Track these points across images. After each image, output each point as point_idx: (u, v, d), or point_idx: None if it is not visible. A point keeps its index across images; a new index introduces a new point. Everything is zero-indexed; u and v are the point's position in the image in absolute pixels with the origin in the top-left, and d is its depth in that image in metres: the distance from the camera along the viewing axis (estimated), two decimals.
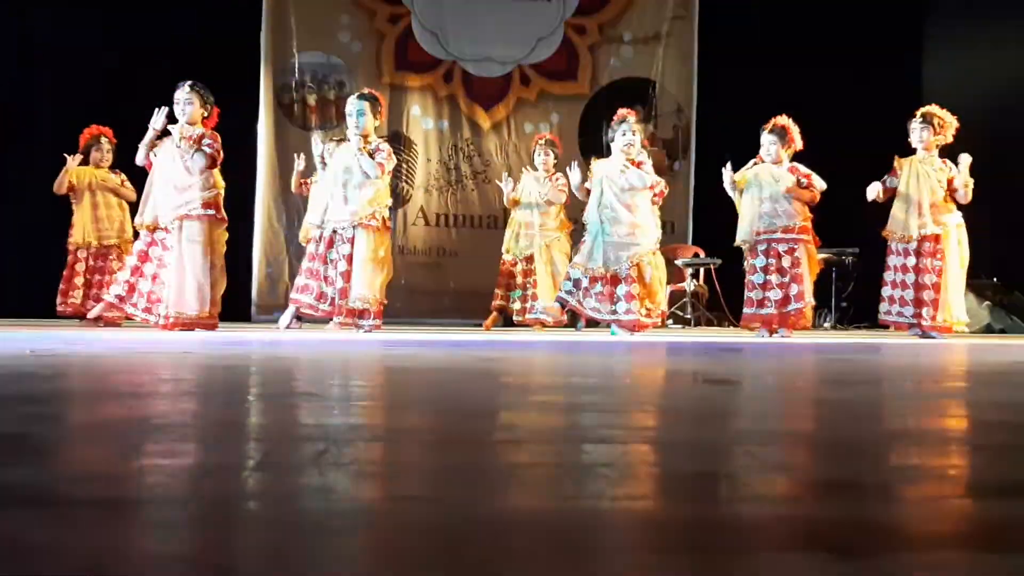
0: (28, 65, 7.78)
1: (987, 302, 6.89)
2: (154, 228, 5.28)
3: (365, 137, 5.45)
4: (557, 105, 8.68)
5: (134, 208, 6.23)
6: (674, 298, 7.95)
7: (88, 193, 6.16)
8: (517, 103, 8.62)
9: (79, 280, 6.14)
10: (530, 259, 6.63)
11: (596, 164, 5.77)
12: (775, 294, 5.63)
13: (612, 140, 5.74)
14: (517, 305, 6.65)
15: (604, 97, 8.79)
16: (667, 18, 8.93)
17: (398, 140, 8.42)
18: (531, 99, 8.65)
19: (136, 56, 7.57)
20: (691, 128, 8.91)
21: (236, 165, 7.13)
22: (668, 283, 7.60)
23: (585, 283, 5.52)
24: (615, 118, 5.88)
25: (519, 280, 6.67)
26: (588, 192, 5.75)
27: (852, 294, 7.71)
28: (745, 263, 5.86)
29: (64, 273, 6.19)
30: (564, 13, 8.75)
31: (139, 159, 5.35)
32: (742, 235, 5.82)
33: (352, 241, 5.31)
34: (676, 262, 7.92)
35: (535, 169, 6.80)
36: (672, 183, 8.21)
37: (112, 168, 6.31)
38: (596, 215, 5.59)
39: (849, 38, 8.70)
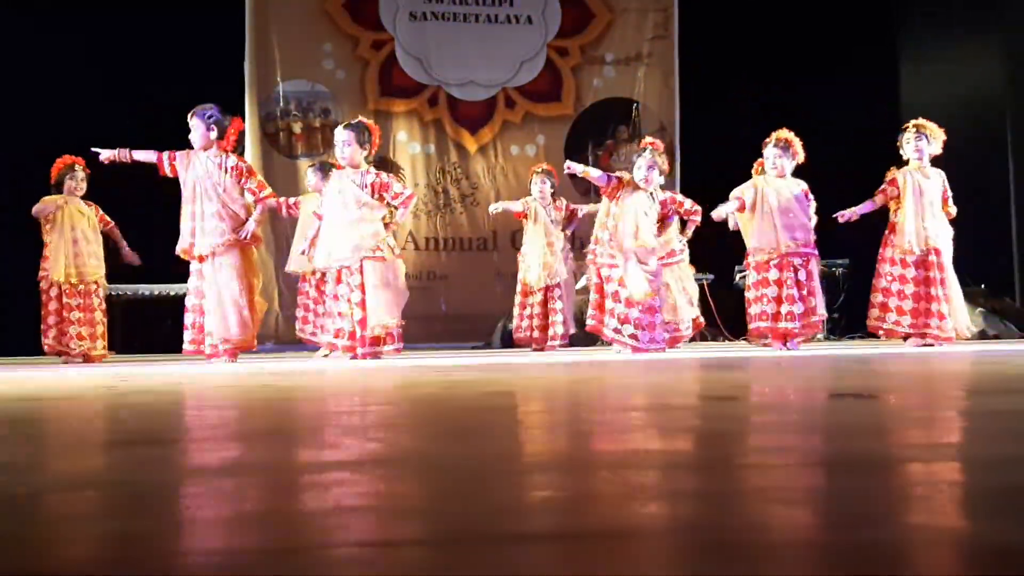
0: (6, 93, 7.71)
1: (980, 308, 6.95)
2: (195, 257, 5.17)
3: (355, 168, 5.29)
4: (542, 127, 8.72)
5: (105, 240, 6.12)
6: None
7: (69, 228, 5.93)
8: (503, 126, 8.65)
9: (52, 319, 5.87)
10: (552, 288, 6.52)
11: (625, 195, 5.58)
12: (797, 308, 5.58)
13: (633, 171, 5.66)
14: (527, 327, 6.59)
15: (588, 117, 8.85)
16: (647, 38, 9.03)
17: (385, 165, 8.41)
18: (516, 121, 8.69)
19: (118, 85, 7.54)
20: (675, 146, 8.98)
21: None
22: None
23: (623, 311, 5.40)
24: (639, 146, 5.84)
25: (537, 310, 6.58)
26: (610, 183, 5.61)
27: (843, 305, 7.77)
28: (748, 276, 5.80)
29: (43, 312, 5.90)
30: (546, 35, 8.82)
31: (141, 155, 5.18)
32: (762, 245, 5.69)
33: (361, 271, 5.16)
34: None
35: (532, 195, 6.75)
36: None
37: (85, 199, 6.07)
38: (631, 245, 5.46)
39: (827, 55, 8.83)
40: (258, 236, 5.26)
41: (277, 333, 7.95)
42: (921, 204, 5.70)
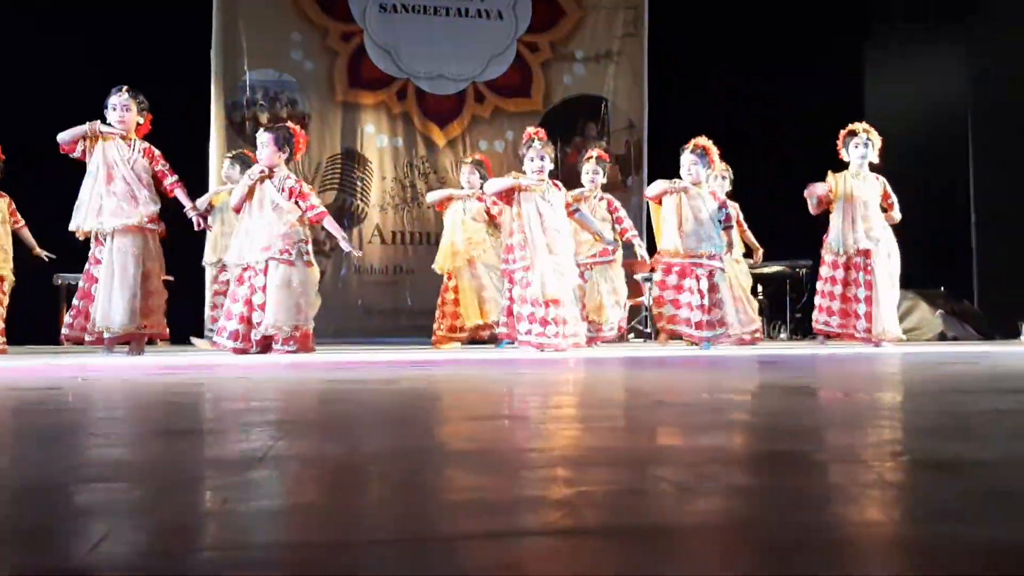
0: None
1: (940, 311, 7.06)
2: (92, 237, 5.05)
3: (271, 169, 5.30)
4: (511, 122, 8.70)
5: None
6: (633, 312, 7.99)
7: None
8: (472, 120, 8.63)
9: None
10: (455, 275, 6.37)
11: (523, 196, 5.47)
12: (695, 316, 5.65)
13: (522, 161, 5.62)
14: (447, 322, 6.39)
15: (557, 114, 8.85)
16: (617, 36, 9.05)
17: (352, 158, 8.35)
18: (485, 116, 8.66)
19: (82, 75, 7.39)
20: (643, 144, 9.02)
21: (187, 183, 6.96)
22: (627, 297, 7.65)
23: (542, 313, 5.31)
24: (524, 138, 5.72)
25: (451, 296, 6.40)
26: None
27: (806, 305, 7.85)
28: (656, 275, 5.89)
29: None
30: (516, 31, 8.80)
31: (63, 137, 5.06)
32: (669, 248, 5.80)
33: (265, 272, 5.16)
34: (635, 276, 7.98)
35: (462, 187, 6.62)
36: (625, 198, 8.30)
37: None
38: (540, 238, 5.36)
39: (794, 57, 8.91)
40: (162, 231, 5.17)
41: None
42: (852, 208, 5.78)
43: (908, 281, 8.06)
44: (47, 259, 6.05)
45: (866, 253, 5.74)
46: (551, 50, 8.89)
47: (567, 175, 8.18)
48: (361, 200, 8.32)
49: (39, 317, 7.09)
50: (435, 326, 6.49)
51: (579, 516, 0.82)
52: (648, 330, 7.76)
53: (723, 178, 6.45)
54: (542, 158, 5.50)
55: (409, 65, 8.50)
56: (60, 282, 7.33)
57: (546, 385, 2.73)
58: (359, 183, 8.27)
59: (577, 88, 8.93)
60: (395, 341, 7.57)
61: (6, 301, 5.93)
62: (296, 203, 5.29)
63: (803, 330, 8.00)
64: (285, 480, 1.02)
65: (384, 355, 5.27)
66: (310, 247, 5.39)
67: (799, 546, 0.72)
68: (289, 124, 5.63)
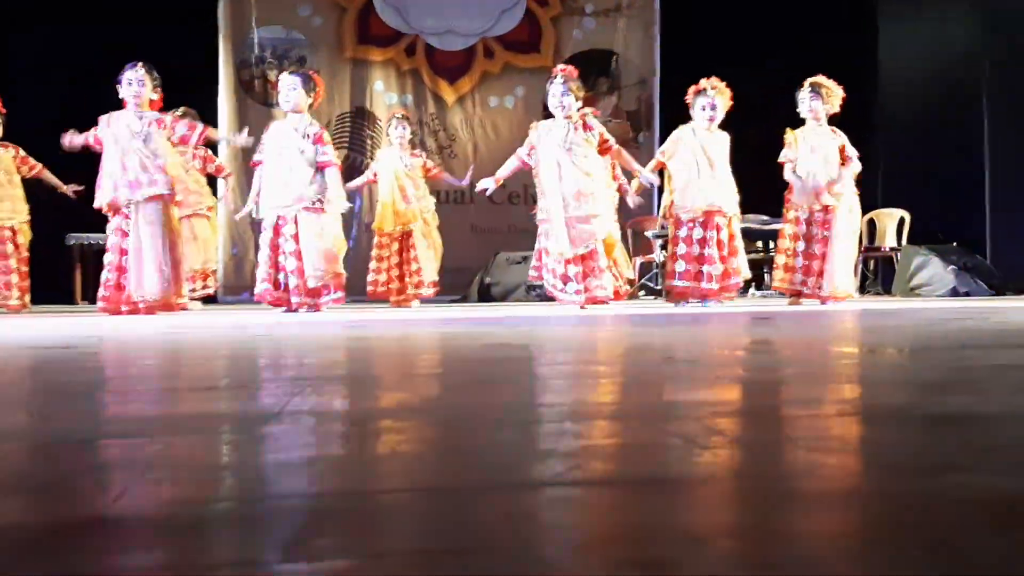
0: None
1: (952, 266, 7.01)
2: (115, 210, 5.10)
3: (298, 115, 5.29)
4: (521, 78, 8.63)
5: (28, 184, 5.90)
6: (643, 270, 8.00)
7: None
8: (482, 76, 8.56)
9: None
10: (407, 235, 6.42)
11: (537, 133, 5.34)
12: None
13: (547, 99, 5.41)
14: (386, 282, 6.42)
15: None
16: None
17: (362, 115, 8.32)
18: (495, 72, 8.60)
19: (90, 34, 7.36)
20: (654, 99, 8.93)
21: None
22: (637, 254, 7.65)
23: (562, 270, 5.26)
24: (551, 75, 5.50)
25: (394, 260, 6.41)
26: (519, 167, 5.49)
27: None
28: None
29: None
30: None
31: (70, 142, 5.10)
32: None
33: (296, 221, 5.17)
34: (645, 234, 7.96)
35: (392, 144, 6.58)
36: (637, 155, 8.24)
37: (5, 140, 5.87)
38: (555, 188, 5.21)
39: (808, 8, 8.77)
40: (177, 200, 5.25)
41: (253, 283, 7.91)
42: (813, 163, 5.62)
43: (921, 236, 8.02)
44: (74, 195, 5.90)
45: (826, 209, 5.63)
46: (560, 4, 8.78)
47: None
48: (371, 158, 8.30)
49: (52, 277, 7.15)
50: (391, 285, 6.47)
51: (587, 468, 0.84)
52: (659, 287, 7.75)
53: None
54: (565, 95, 5.25)
55: (417, 20, 8.42)
56: (73, 242, 7.38)
57: (554, 341, 2.75)
58: (369, 141, 8.25)
59: (587, 43, 8.84)
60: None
61: (24, 255, 5.92)
62: (315, 148, 5.28)
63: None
64: (301, 434, 1.04)
65: (400, 314, 5.30)
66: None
67: (800, 496, 0.73)
68: (308, 70, 5.62)
